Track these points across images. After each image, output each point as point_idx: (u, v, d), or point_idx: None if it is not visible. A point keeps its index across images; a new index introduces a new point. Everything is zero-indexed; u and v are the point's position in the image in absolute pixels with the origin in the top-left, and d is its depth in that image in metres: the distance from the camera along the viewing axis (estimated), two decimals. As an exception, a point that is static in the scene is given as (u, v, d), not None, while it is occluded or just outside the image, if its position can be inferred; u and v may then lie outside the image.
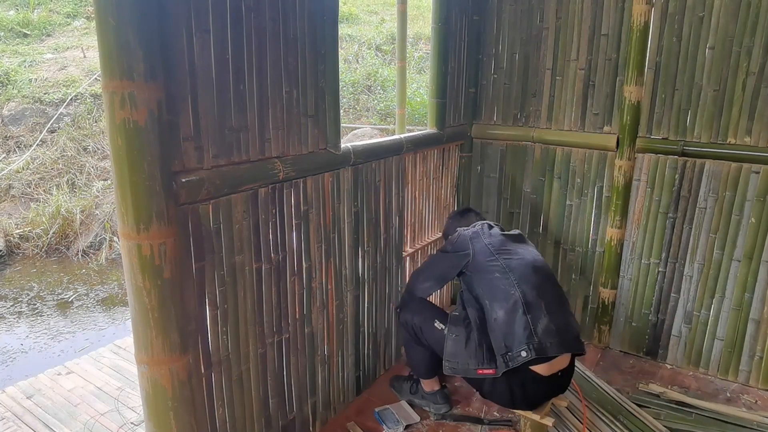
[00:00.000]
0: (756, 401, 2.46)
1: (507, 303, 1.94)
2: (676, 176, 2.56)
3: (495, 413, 2.35)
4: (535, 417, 2.05)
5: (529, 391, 1.97)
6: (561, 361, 1.97)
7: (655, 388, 2.51)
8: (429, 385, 2.37)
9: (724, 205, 2.48)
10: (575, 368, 2.11)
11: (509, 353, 1.89)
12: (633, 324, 2.81)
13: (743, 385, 2.57)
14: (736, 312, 2.54)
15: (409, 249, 2.71)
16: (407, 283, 2.46)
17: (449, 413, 2.35)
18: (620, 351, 2.86)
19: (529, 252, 2.14)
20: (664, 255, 2.66)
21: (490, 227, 2.23)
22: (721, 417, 2.31)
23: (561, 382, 2.02)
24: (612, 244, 2.72)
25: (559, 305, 2.01)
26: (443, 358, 2.06)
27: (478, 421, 2.31)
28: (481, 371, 1.95)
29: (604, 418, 2.27)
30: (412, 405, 2.40)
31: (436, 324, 2.16)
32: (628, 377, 2.63)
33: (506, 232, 2.21)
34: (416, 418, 2.31)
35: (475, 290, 2.08)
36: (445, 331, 2.10)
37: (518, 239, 2.21)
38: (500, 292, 1.98)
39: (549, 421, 2.05)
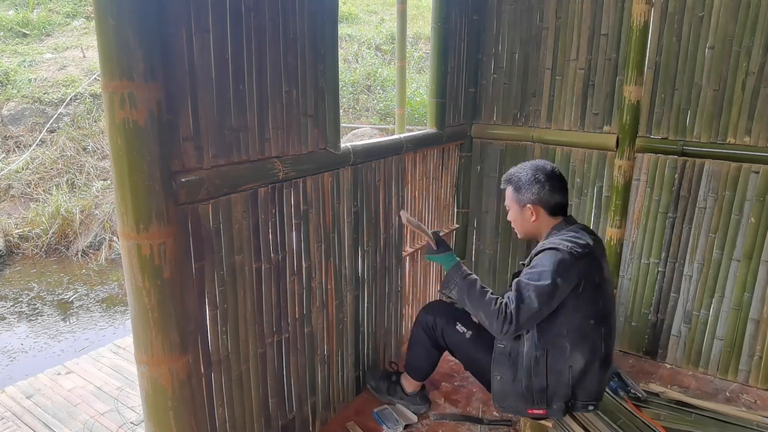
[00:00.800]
0: (756, 401, 2.47)
1: (590, 355, 1.80)
2: (676, 176, 2.56)
3: (495, 413, 2.35)
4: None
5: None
6: None
7: (655, 387, 2.51)
8: (412, 386, 2.35)
9: (724, 204, 2.48)
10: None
11: (574, 401, 1.86)
12: (633, 324, 2.81)
13: (743, 385, 2.58)
14: (735, 312, 2.54)
15: (408, 249, 2.70)
16: (504, 326, 1.74)
17: (449, 414, 2.36)
18: (620, 351, 2.86)
19: (611, 289, 1.89)
20: (663, 255, 2.66)
21: (596, 247, 1.83)
22: (721, 417, 2.30)
23: None
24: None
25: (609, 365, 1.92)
26: (493, 399, 1.97)
27: (477, 421, 2.31)
28: (531, 411, 1.89)
29: (605, 417, 2.26)
30: (391, 404, 2.38)
31: (458, 327, 2.12)
32: (628, 377, 2.62)
33: (602, 252, 1.89)
34: (415, 418, 2.31)
35: (552, 326, 1.80)
36: (467, 336, 2.07)
37: (606, 264, 1.90)
38: (588, 341, 1.79)
39: (549, 422, 2.05)
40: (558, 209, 1.89)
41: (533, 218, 1.90)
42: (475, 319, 2.07)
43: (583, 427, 2.20)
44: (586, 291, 1.75)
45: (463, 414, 2.36)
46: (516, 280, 1.79)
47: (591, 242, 1.81)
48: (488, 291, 1.83)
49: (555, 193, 1.87)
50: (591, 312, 1.78)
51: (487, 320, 1.77)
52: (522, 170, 1.92)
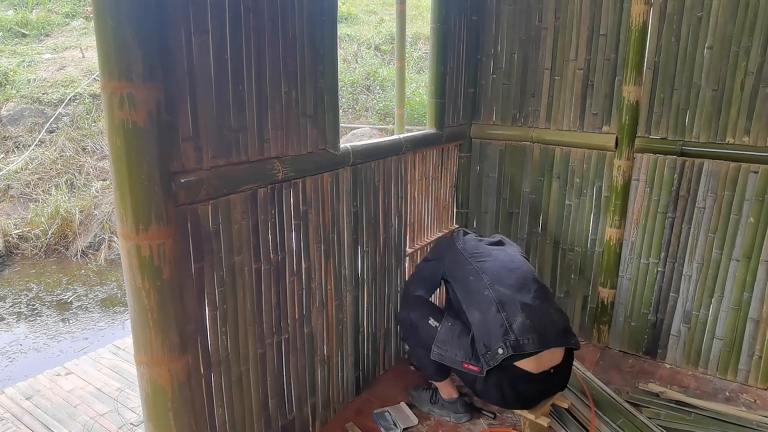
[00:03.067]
0: (755, 400, 2.47)
1: (482, 304, 2.02)
2: (675, 176, 2.57)
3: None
4: (531, 416, 2.06)
5: (520, 389, 1.98)
6: (551, 358, 1.97)
7: (654, 387, 2.51)
8: (447, 392, 2.33)
9: (723, 204, 2.49)
10: (575, 368, 2.12)
11: (488, 352, 1.93)
12: (632, 324, 2.81)
13: (742, 385, 2.58)
14: (735, 311, 2.54)
15: (408, 249, 2.70)
16: (404, 287, 2.57)
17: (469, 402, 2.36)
18: (619, 351, 2.87)
19: (504, 253, 2.21)
20: (663, 255, 2.66)
21: (465, 233, 2.36)
22: (721, 416, 2.31)
23: (555, 379, 2.02)
24: (611, 243, 2.73)
25: (541, 302, 2.02)
26: (433, 343, 2.11)
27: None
28: (466, 365, 2.01)
29: (605, 417, 2.27)
30: (431, 414, 2.35)
31: (430, 321, 2.20)
32: (628, 377, 2.63)
33: (482, 238, 2.34)
34: (414, 420, 2.31)
35: (455, 296, 2.17)
36: (439, 328, 2.14)
37: (495, 243, 2.30)
38: (475, 294, 2.06)
39: (544, 421, 2.06)
40: None
41: None
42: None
43: (583, 427, 2.20)
44: (456, 258, 2.20)
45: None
46: None
47: (462, 234, 2.36)
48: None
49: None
50: (467, 271, 2.13)
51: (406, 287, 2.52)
52: None
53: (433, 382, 2.35)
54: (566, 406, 2.21)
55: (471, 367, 1.99)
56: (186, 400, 1.47)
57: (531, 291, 2.04)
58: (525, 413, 2.09)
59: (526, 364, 1.92)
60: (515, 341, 1.89)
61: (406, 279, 2.60)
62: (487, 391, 2.02)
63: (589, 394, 2.39)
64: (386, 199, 2.42)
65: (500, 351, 1.90)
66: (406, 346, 2.66)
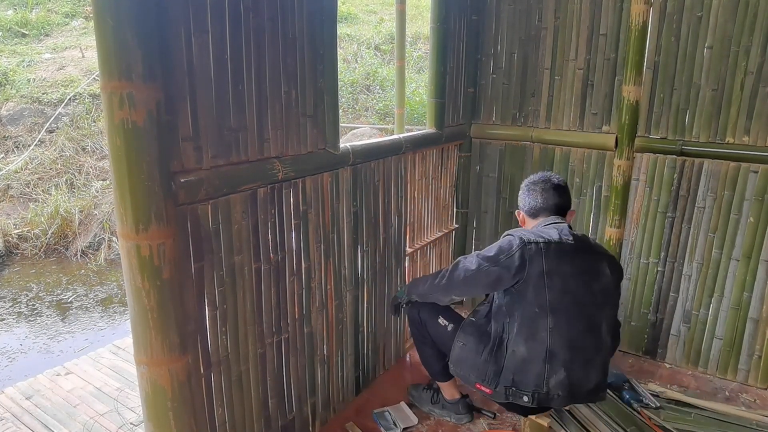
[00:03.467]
0: (755, 400, 2.47)
1: (533, 343, 1.82)
2: (675, 176, 2.57)
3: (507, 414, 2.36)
4: (531, 416, 2.06)
5: (527, 410, 1.98)
6: None
7: (654, 387, 2.51)
8: (449, 392, 2.32)
9: (723, 204, 2.49)
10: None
11: (513, 389, 1.85)
12: (632, 323, 2.81)
13: (742, 384, 2.58)
14: (734, 311, 2.54)
15: (408, 249, 2.70)
16: (437, 279, 2.04)
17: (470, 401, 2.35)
18: (619, 350, 2.86)
19: (582, 287, 1.85)
20: (662, 254, 2.66)
21: (561, 244, 1.85)
22: (721, 416, 2.31)
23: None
24: (611, 243, 2.72)
25: (586, 359, 1.85)
26: (449, 360, 2.04)
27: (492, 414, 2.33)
28: (479, 386, 1.92)
29: (603, 417, 2.27)
30: (431, 415, 2.36)
31: (440, 320, 2.15)
32: (628, 377, 2.62)
33: (577, 241, 1.88)
34: (414, 420, 2.31)
35: (509, 309, 1.89)
36: (449, 329, 2.10)
37: (584, 261, 1.89)
38: (532, 329, 1.82)
39: (545, 421, 2.06)
40: (535, 211, 2.01)
41: (522, 222, 2.09)
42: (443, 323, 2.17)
43: (583, 427, 2.20)
44: (532, 278, 1.80)
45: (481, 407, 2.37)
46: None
47: (555, 237, 1.85)
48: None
49: (527, 196, 2.03)
50: (536, 301, 1.81)
51: (427, 284, 2.08)
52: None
53: (437, 382, 2.35)
54: (567, 407, 2.21)
55: (483, 388, 1.90)
56: (186, 400, 1.47)
57: (585, 346, 1.85)
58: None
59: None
60: (545, 396, 1.82)
61: (438, 275, 2.04)
62: (493, 396, 1.96)
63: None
64: (386, 199, 2.42)
65: (525, 399, 1.83)
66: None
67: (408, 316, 2.31)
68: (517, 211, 2.10)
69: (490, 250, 1.89)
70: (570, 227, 1.94)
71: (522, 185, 2.08)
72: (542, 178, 2.03)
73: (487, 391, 1.89)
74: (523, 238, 1.84)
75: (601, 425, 2.22)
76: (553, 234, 1.86)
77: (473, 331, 1.98)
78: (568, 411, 2.26)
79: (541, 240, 1.83)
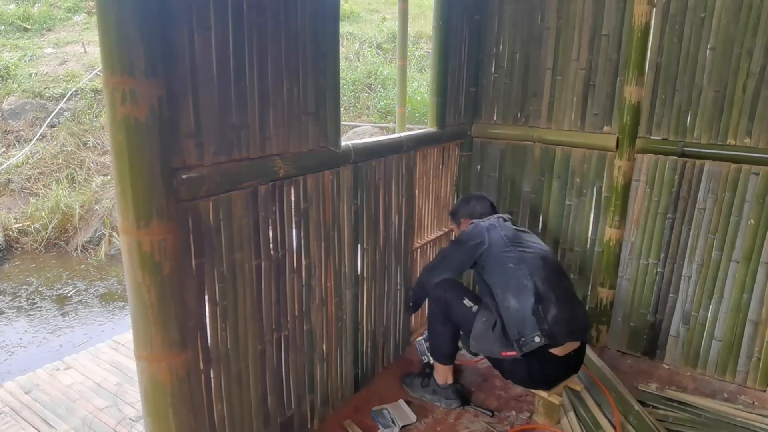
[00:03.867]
0: (753, 402, 2.47)
1: (520, 292, 2.06)
2: (676, 177, 2.57)
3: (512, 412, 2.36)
4: (544, 394, 2.19)
5: (547, 371, 2.12)
6: (573, 343, 2.11)
7: (655, 388, 2.51)
8: (443, 377, 2.40)
9: (724, 206, 2.49)
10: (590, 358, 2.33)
11: (522, 338, 2.02)
12: (631, 324, 2.81)
13: (740, 386, 2.58)
14: (734, 313, 2.54)
15: (408, 247, 2.70)
16: (422, 276, 2.49)
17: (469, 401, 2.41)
18: (618, 351, 2.87)
19: (539, 245, 2.26)
20: (662, 255, 2.67)
21: (504, 220, 2.31)
22: (726, 418, 2.30)
23: (574, 362, 2.17)
24: (611, 244, 2.73)
25: (568, 297, 2.13)
26: (470, 338, 2.20)
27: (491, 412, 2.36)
28: (504, 353, 2.07)
29: (608, 416, 2.27)
30: (422, 401, 2.42)
31: (465, 302, 2.27)
32: (626, 377, 2.63)
33: (517, 227, 2.32)
34: (413, 418, 2.31)
35: (487, 280, 2.18)
36: (474, 310, 2.22)
37: (529, 233, 2.33)
38: (514, 281, 2.09)
39: (557, 399, 2.18)
40: (482, 215, 2.41)
41: (462, 227, 2.50)
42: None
43: (593, 404, 2.25)
44: (496, 244, 2.17)
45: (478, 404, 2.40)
46: None
47: (499, 216, 2.34)
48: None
49: (476, 208, 2.48)
50: (506, 258, 2.14)
51: (421, 276, 2.49)
52: (456, 205, 2.67)
53: (437, 363, 2.40)
54: (579, 389, 2.28)
55: (509, 353, 2.06)
56: (185, 396, 1.48)
57: (562, 287, 2.15)
58: (540, 392, 2.20)
59: (555, 350, 2.05)
60: (549, 331, 2.00)
61: (426, 266, 2.51)
62: (516, 372, 2.15)
63: (600, 384, 2.41)
64: (387, 198, 2.42)
65: (537, 339, 1.99)
66: (426, 332, 2.61)
67: (432, 296, 2.41)
68: (462, 220, 2.50)
69: (457, 237, 2.40)
70: None
71: (457, 206, 2.62)
72: (468, 197, 2.62)
73: (513, 353, 2.06)
74: (475, 222, 2.33)
75: (606, 425, 2.23)
76: (493, 219, 2.32)
77: (488, 308, 2.18)
78: (577, 392, 2.32)
79: (490, 220, 2.31)
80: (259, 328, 1.82)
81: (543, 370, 2.10)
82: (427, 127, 2.82)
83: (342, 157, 2.04)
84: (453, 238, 2.49)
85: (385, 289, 2.55)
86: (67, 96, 7.27)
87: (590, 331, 2.23)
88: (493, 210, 2.49)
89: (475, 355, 2.51)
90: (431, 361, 2.47)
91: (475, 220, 2.36)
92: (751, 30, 2.31)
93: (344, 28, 10.05)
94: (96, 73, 7.64)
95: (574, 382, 2.25)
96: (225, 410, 1.73)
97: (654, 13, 2.46)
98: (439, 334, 2.37)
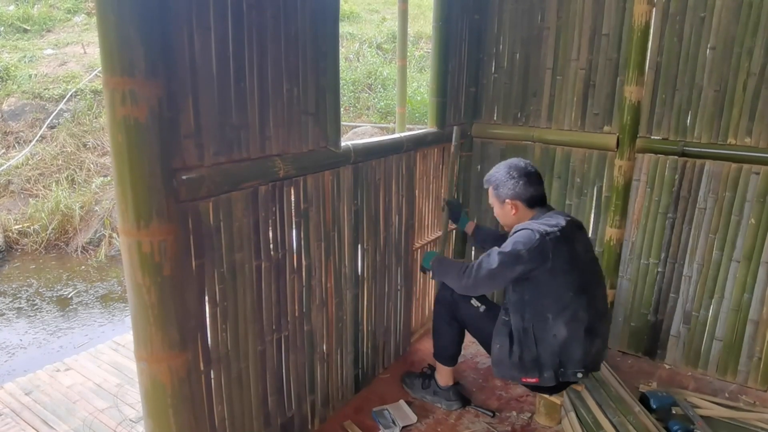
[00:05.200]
0: (754, 402, 2.47)
1: (573, 323, 1.93)
2: (676, 176, 2.56)
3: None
4: (545, 394, 2.19)
5: (553, 389, 2.12)
6: None
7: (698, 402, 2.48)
8: (444, 378, 2.39)
9: (724, 205, 2.48)
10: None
11: (562, 369, 1.97)
12: (632, 324, 2.81)
13: (742, 386, 2.58)
14: (735, 313, 2.54)
15: (409, 247, 2.70)
16: (461, 280, 1.99)
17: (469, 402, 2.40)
18: (619, 351, 2.86)
19: (591, 260, 2.05)
20: (663, 255, 2.66)
21: (570, 227, 1.95)
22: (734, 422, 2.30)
23: None
24: (611, 243, 2.72)
25: (608, 322, 2.13)
26: (492, 363, 2.12)
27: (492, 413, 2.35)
28: (525, 379, 2.02)
29: (609, 416, 2.27)
30: (423, 402, 2.42)
31: (472, 302, 2.23)
32: (627, 377, 2.62)
33: (572, 225, 1.99)
34: (413, 418, 2.31)
35: (534, 299, 1.94)
36: (481, 310, 2.19)
37: (581, 230, 2.06)
38: (569, 312, 1.92)
39: (558, 399, 2.19)
40: (535, 201, 2.06)
41: (513, 211, 2.08)
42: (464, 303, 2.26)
43: (594, 404, 2.26)
44: (559, 265, 1.88)
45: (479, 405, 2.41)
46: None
47: (563, 223, 1.94)
48: (461, 261, 2.10)
49: (529, 187, 2.05)
50: (567, 284, 1.91)
51: (453, 279, 2.04)
52: (498, 170, 2.13)
53: (439, 365, 2.38)
54: (580, 389, 2.28)
55: (529, 380, 2.01)
56: (186, 397, 1.47)
57: (605, 311, 2.10)
58: (544, 395, 2.21)
59: None
60: (591, 365, 1.99)
61: (469, 271, 1.96)
62: (541, 383, 2.09)
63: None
64: (387, 198, 2.42)
65: (579, 375, 1.96)
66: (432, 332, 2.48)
67: (438, 296, 2.37)
68: (508, 200, 2.06)
69: (511, 246, 1.90)
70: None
71: (507, 173, 2.07)
72: (522, 169, 2.08)
73: (534, 380, 1.99)
74: (541, 231, 1.88)
75: (607, 425, 2.23)
76: (560, 220, 1.96)
77: (504, 331, 2.05)
78: (577, 392, 2.32)
79: (556, 229, 1.90)
80: (260, 329, 1.82)
81: (550, 389, 2.10)
82: (427, 127, 2.82)
83: (342, 157, 2.04)
84: (504, 246, 1.92)
85: (386, 290, 2.54)
86: (67, 97, 7.27)
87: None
88: (545, 205, 2.09)
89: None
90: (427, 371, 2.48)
91: (533, 226, 1.91)
92: (752, 29, 2.31)
93: (344, 28, 10.05)
94: (96, 74, 7.64)
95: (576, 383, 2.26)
96: (225, 411, 1.73)
97: (654, 12, 2.45)
98: (444, 335, 2.35)
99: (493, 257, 1.90)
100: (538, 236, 1.87)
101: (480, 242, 2.54)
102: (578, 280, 1.93)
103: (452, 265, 2.10)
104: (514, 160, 2.12)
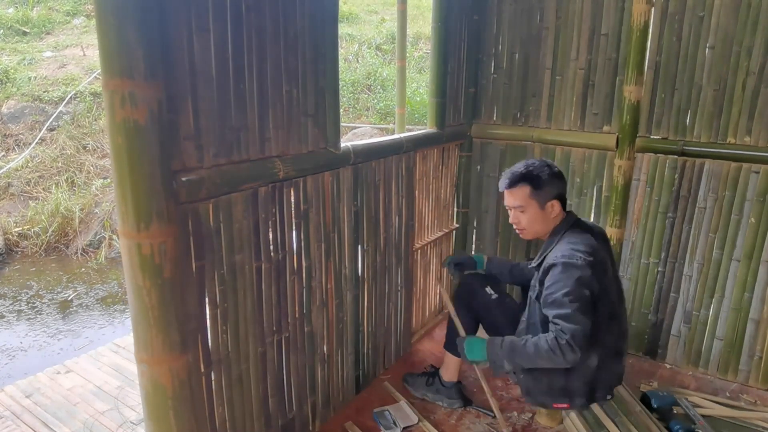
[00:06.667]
0: (756, 401, 2.47)
1: (604, 352, 1.90)
2: (676, 176, 2.57)
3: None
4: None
5: None
6: None
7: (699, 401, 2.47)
8: (450, 373, 2.39)
9: (724, 204, 2.48)
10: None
11: (594, 395, 1.98)
12: (632, 324, 2.80)
13: (743, 385, 2.58)
14: (735, 312, 2.54)
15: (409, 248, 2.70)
16: (557, 351, 1.75)
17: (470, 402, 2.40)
18: (619, 350, 2.86)
19: (616, 276, 1.99)
20: (663, 255, 2.66)
21: (599, 245, 1.90)
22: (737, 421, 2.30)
23: None
24: (611, 243, 2.72)
25: (628, 340, 2.10)
26: (522, 394, 2.12)
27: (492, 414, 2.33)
28: (556, 405, 2.04)
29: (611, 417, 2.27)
30: (424, 400, 2.42)
31: (487, 289, 2.27)
32: (628, 377, 2.62)
33: (603, 240, 1.99)
34: (414, 419, 2.31)
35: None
36: (493, 298, 2.23)
37: (610, 255, 1.99)
38: (602, 338, 1.86)
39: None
40: (565, 201, 2.01)
41: (554, 213, 1.95)
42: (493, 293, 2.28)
43: (595, 404, 2.25)
44: (599, 293, 1.82)
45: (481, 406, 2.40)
46: (554, 313, 1.77)
47: (595, 243, 1.88)
48: (526, 339, 1.85)
49: (561, 187, 1.97)
50: (602, 312, 1.84)
51: (551, 361, 1.78)
52: (534, 167, 1.94)
53: (448, 357, 2.38)
54: None
55: (560, 405, 2.02)
56: (186, 399, 1.47)
57: (628, 332, 2.10)
58: None
59: None
60: (617, 383, 2.03)
61: (566, 320, 1.75)
62: (572, 408, 2.09)
63: None
64: (387, 199, 2.42)
65: (608, 397, 1.99)
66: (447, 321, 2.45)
67: (463, 282, 2.39)
68: (551, 202, 1.93)
69: (573, 286, 1.75)
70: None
71: (549, 171, 1.93)
72: (552, 167, 1.97)
73: (565, 406, 2.01)
74: (586, 259, 1.78)
75: (609, 424, 2.23)
76: (591, 240, 1.88)
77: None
78: None
79: (590, 250, 1.82)
80: (260, 330, 1.81)
81: None
82: (427, 128, 2.82)
83: (342, 158, 2.04)
84: (558, 286, 1.77)
85: (386, 291, 2.54)
86: (67, 99, 7.27)
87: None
88: (577, 221, 2.01)
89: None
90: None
91: (573, 254, 1.79)
92: (750, 28, 2.31)
93: (343, 29, 10.06)
94: (95, 76, 7.64)
95: None
96: (226, 412, 1.73)
97: (653, 12, 2.45)
98: (460, 319, 2.30)
99: (575, 317, 1.72)
100: (588, 269, 1.76)
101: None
102: (610, 305, 1.87)
103: (529, 349, 1.81)
104: (538, 160, 2.00)
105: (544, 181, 1.91)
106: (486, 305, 2.25)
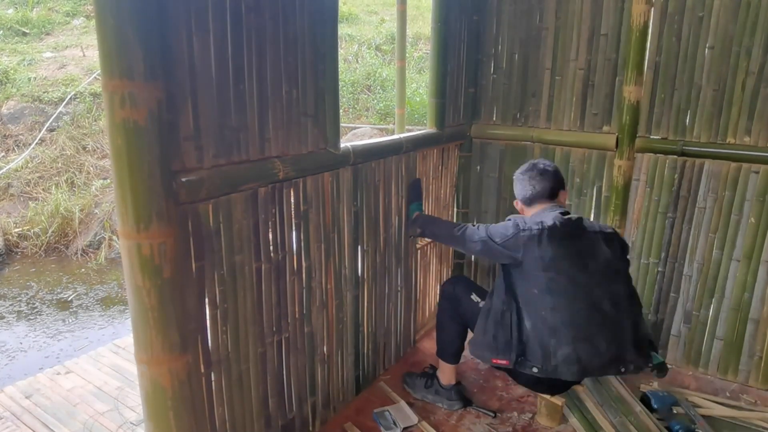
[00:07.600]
0: (756, 401, 2.47)
1: (536, 320, 1.95)
2: (676, 176, 2.57)
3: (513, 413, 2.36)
4: (546, 395, 2.19)
5: (556, 385, 2.09)
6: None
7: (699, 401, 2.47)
8: (447, 377, 2.39)
9: (724, 204, 2.49)
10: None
11: (521, 358, 1.95)
12: (632, 324, 2.80)
13: (743, 385, 2.58)
14: (735, 312, 2.54)
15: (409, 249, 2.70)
16: (451, 234, 2.22)
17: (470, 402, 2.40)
18: (619, 351, 2.86)
19: (577, 268, 1.96)
20: (663, 255, 2.66)
21: (554, 229, 1.96)
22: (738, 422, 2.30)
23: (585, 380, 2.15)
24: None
25: (590, 334, 1.91)
26: (468, 342, 2.16)
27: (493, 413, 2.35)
28: (495, 360, 2.00)
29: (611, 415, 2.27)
30: (424, 402, 2.42)
31: (472, 297, 2.27)
32: (628, 377, 2.62)
33: (568, 233, 1.98)
34: (414, 419, 2.31)
35: (513, 287, 2.02)
36: (480, 305, 2.19)
37: (578, 243, 1.99)
38: (534, 307, 1.96)
39: (559, 401, 2.18)
40: (531, 200, 2.16)
41: (521, 212, 2.23)
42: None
43: (595, 404, 2.25)
44: (529, 263, 1.96)
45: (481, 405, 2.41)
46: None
47: (549, 223, 1.97)
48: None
49: (527, 185, 2.15)
50: (534, 283, 1.96)
51: (446, 227, 2.29)
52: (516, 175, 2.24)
53: (442, 362, 2.39)
54: (581, 390, 2.30)
55: (500, 361, 1.98)
56: (186, 399, 1.47)
57: (593, 322, 1.93)
58: (545, 395, 2.21)
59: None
60: (553, 368, 1.90)
61: (462, 231, 2.17)
62: (521, 377, 2.09)
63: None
64: (387, 199, 2.42)
65: (534, 370, 1.92)
66: (435, 328, 2.49)
67: (442, 291, 2.43)
68: (515, 201, 2.25)
69: (495, 229, 2.07)
70: (567, 212, 2.08)
71: (514, 176, 2.24)
72: (529, 167, 2.19)
73: (504, 362, 1.97)
74: (518, 224, 2.01)
75: (607, 425, 2.23)
76: (547, 220, 2.00)
77: (485, 313, 2.10)
78: (578, 393, 2.32)
79: (535, 227, 1.98)
80: (260, 331, 1.81)
81: (552, 384, 2.07)
82: (427, 128, 2.82)
83: (341, 158, 2.04)
84: (491, 227, 2.09)
85: (386, 291, 2.54)
86: (66, 100, 7.27)
87: (621, 363, 1.95)
88: (553, 191, 2.14)
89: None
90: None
91: (519, 221, 2.02)
92: (750, 28, 2.31)
93: (343, 29, 10.06)
94: (95, 77, 7.64)
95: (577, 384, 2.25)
96: (226, 413, 1.73)
97: (652, 12, 2.46)
98: (447, 331, 2.36)
99: (481, 231, 2.11)
100: (512, 229, 2.01)
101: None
102: (545, 280, 1.93)
103: (444, 222, 2.34)
104: (528, 162, 2.24)
105: (514, 186, 2.24)
106: (472, 311, 2.24)
